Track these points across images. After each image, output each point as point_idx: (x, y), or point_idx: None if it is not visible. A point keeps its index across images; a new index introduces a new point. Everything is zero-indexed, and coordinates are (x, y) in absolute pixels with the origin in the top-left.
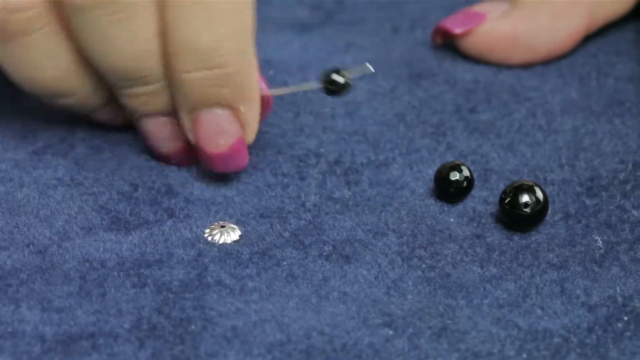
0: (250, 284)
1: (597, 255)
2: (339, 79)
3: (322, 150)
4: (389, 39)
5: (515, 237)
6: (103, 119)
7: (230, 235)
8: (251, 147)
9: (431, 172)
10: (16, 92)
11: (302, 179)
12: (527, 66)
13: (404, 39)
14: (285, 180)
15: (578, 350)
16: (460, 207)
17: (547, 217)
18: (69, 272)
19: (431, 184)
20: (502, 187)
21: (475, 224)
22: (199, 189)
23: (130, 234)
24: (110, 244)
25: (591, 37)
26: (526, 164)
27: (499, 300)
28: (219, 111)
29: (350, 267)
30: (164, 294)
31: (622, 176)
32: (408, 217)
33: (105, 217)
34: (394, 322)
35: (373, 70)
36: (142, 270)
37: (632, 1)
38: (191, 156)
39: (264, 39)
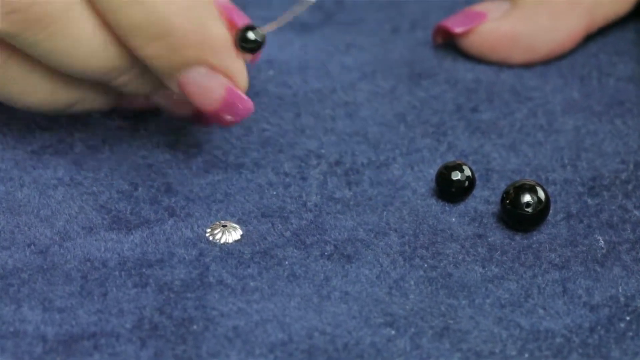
0: (251, 284)
1: (599, 255)
2: (252, 37)
3: (322, 151)
4: (389, 39)
5: (517, 237)
6: (161, 101)
7: (232, 234)
8: (252, 145)
9: (432, 172)
10: None
11: (304, 179)
12: (527, 66)
13: (404, 39)
14: (287, 179)
15: (580, 350)
16: (461, 206)
17: (549, 217)
18: (71, 272)
19: (432, 184)
20: (503, 186)
21: (477, 224)
22: (198, 187)
23: (132, 234)
24: (112, 243)
25: (592, 37)
26: (528, 164)
27: (501, 300)
28: (198, 71)
29: (351, 267)
30: (166, 294)
31: (623, 176)
32: (410, 216)
33: (106, 216)
34: (396, 321)
35: (313, 1)
36: (144, 269)
37: (633, 1)
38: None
39: None
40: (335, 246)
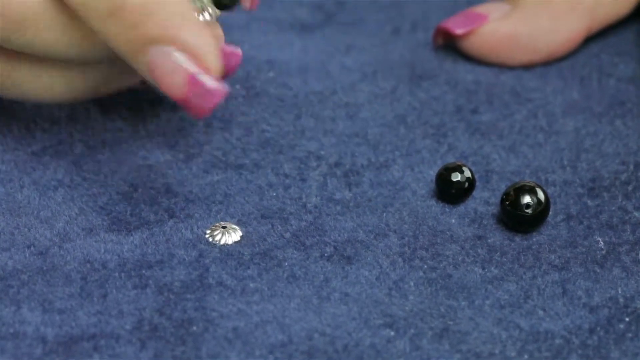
0: (251, 285)
1: (599, 257)
2: None
3: (322, 152)
4: (389, 40)
5: (517, 238)
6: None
7: (232, 235)
8: (252, 146)
9: (432, 173)
10: None
11: (304, 180)
12: (528, 67)
13: (404, 40)
14: (287, 181)
15: (579, 352)
16: (461, 208)
17: (549, 218)
18: (70, 273)
19: (432, 185)
20: (503, 188)
21: (476, 225)
22: (198, 188)
23: (131, 235)
24: (111, 244)
25: (592, 38)
26: (528, 165)
27: (501, 301)
28: (161, 50)
29: (351, 268)
30: (165, 295)
31: (623, 177)
32: (409, 218)
33: (106, 217)
34: (396, 323)
35: None
36: (143, 271)
37: (633, 2)
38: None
39: (264, 40)
40: (335, 247)
